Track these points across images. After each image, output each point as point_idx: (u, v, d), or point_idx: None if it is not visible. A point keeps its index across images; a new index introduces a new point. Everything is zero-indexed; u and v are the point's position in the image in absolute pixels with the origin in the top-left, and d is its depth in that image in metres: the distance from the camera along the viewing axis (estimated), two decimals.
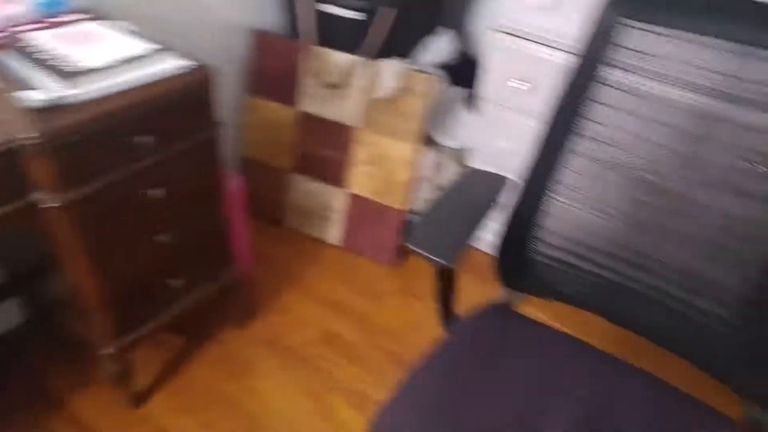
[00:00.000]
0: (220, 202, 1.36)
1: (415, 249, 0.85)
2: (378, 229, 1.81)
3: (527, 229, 1.01)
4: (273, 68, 1.79)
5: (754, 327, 0.86)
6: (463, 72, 1.74)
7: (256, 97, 1.85)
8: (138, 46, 1.14)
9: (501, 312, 1.07)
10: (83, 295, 1.19)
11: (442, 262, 0.84)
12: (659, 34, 0.87)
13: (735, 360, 0.89)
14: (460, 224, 0.90)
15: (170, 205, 1.23)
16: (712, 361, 0.93)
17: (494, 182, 0.99)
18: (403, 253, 1.87)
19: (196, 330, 1.62)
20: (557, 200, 0.98)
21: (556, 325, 1.07)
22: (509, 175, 1.02)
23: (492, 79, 1.58)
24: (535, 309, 1.29)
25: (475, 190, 0.99)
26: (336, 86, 1.72)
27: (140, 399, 1.45)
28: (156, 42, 1.16)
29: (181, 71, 1.14)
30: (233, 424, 1.41)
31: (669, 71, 0.87)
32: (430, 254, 0.84)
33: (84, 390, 1.46)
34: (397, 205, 1.76)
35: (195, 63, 1.17)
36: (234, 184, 1.49)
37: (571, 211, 0.99)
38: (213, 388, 1.49)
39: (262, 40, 1.79)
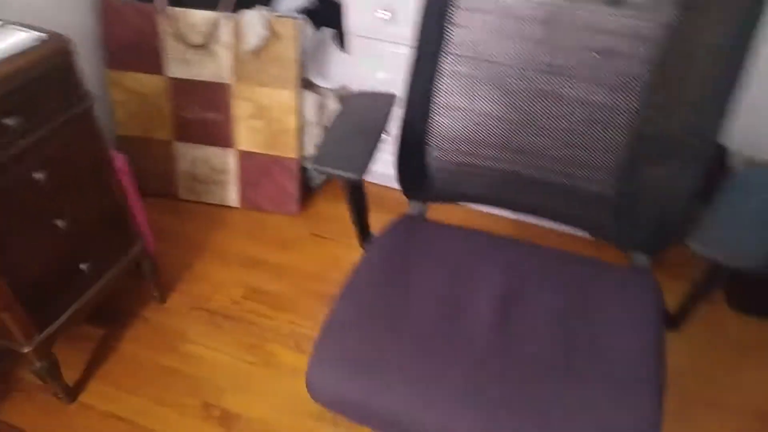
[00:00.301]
0: (111, 178, 1.33)
1: (322, 168, 0.90)
2: (275, 182, 1.84)
3: (419, 140, 1.09)
4: (130, 37, 1.72)
5: (629, 194, 1.00)
6: (326, 13, 1.77)
7: (119, 70, 1.77)
8: None
9: (412, 222, 1.15)
10: None
11: (351, 176, 0.90)
12: None
13: (619, 221, 1.04)
14: (361, 140, 0.96)
15: (59, 187, 1.19)
16: (602, 226, 1.07)
17: (384, 99, 1.05)
18: (304, 199, 1.91)
19: (117, 315, 1.59)
20: (439, 111, 1.06)
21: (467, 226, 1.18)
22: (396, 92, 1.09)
23: (357, 13, 1.62)
24: (445, 217, 1.40)
25: (367, 109, 1.04)
26: (201, 46, 1.68)
27: (75, 392, 1.42)
28: None
29: (34, 44, 1.09)
30: (180, 391, 1.43)
31: None
32: (338, 170, 0.90)
33: (14, 396, 1.42)
34: (288, 154, 1.78)
35: (47, 34, 1.11)
36: (116, 162, 1.45)
37: (454, 119, 1.07)
38: (150, 364, 1.49)
39: (111, 9, 1.70)
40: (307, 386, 0.91)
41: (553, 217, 1.14)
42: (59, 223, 1.21)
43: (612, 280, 1.03)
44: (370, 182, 1.83)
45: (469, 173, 1.12)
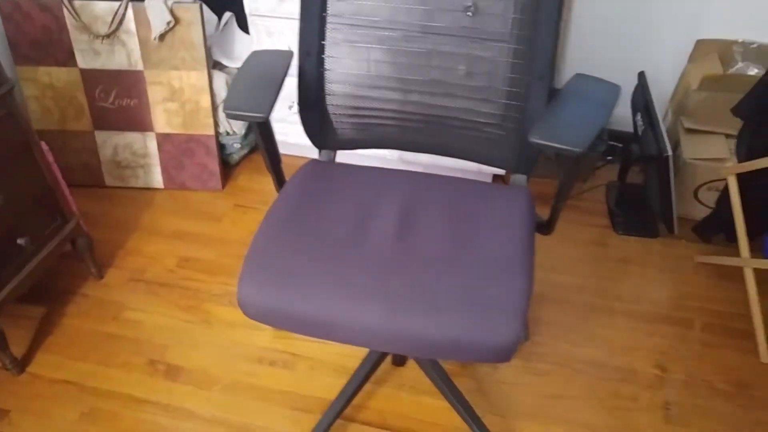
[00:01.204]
0: (39, 158, 1.43)
1: (232, 113, 1.06)
2: (196, 160, 1.96)
3: (316, 92, 1.26)
4: (36, 33, 1.79)
5: (513, 131, 1.21)
6: None
7: (29, 66, 1.84)
8: None
9: (321, 165, 1.32)
10: None
11: (257, 115, 1.05)
12: None
13: (506, 153, 1.25)
14: (264, 88, 1.10)
15: None
16: (494, 158, 1.28)
17: (282, 55, 1.20)
18: (225, 175, 2.05)
19: (58, 294, 1.69)
20: (330, 65, 1.24)
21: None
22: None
23: None
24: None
25: (267, 63, 1.19)
26: (108, 36, 1.79)
27: (23, 363, 1.51)
28: None
29: None
30: (125, 353, 1.55)
31: None
32: (246, 112, 1.06)
33: None
34: (205, 132, 1.92)
35: None
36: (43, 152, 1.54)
37: (344, 73, 1.25)
38: (94, 333, 1.59)
39: (12, 7, 1.76)
40: (238, 303, 1.06)
41: (447, 153, 1.34)
42: None
43: (493, 195, 1.23)
44: (289, 155, 1.98)
45: (371, 124, 1.31)
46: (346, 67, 1.25)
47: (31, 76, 1.85)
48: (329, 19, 1.20)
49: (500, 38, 1.16)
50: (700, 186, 1.78)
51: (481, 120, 1.24)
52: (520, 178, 1.30)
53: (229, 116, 1.07)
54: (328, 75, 1.25)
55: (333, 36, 1.22)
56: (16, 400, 1.44)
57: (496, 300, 1.00)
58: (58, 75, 1.85)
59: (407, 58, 1.22)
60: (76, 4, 1.75)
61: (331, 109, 1.29)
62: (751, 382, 1.48)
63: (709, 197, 1.78)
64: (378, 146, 1.37)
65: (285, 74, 1.16)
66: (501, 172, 1.94)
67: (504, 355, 0.97)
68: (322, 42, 1.22)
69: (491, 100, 1.21)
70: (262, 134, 1.16)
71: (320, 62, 1.24)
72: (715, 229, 1.73)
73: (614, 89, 1.06)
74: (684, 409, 1.43)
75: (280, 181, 1.28)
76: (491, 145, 1.26)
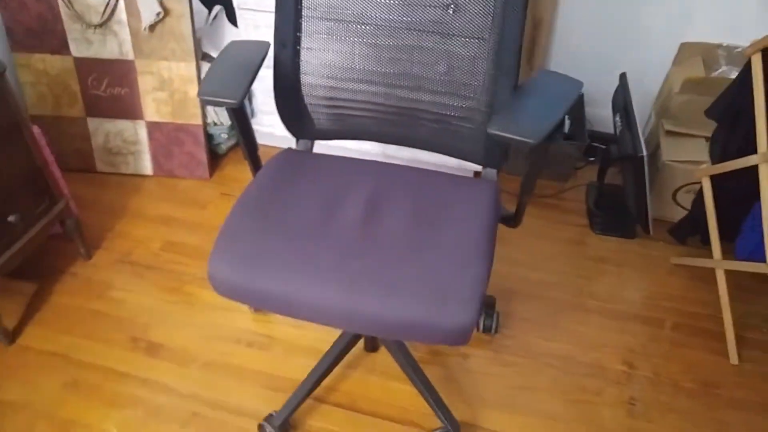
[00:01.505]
0: (29, 138, 1.49)
1: (206, 98, 1.10)
2: (184, 149, 2.02)
3: (292, 83, 1.30)
4: (32, 21, 1.85)
5: (480, 124, 1.23)
6: None
7: (25, 53, 1.89)
8: None
9: (295, 154, 1.36)
10: None
11: (230, 101, 1.10)
12: None
13: (475, 146, 1.29)
14: (238, 75, 1.15)
15: None
16: (464, 151, 1.31)
17: (258, 45, 1.24)
18: (213, 164, 2.10)
19: (48, 272, 1.75)
20: (306, 56, 1.28)
21: None
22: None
23: None
24: None
25: (243, 52, 1.24)
26: (101, 25, 1.84)
27: (13, 335, 1.58)
28: None
29: None
30: (109, 329, 1.60)
31: None
32: (219, 98, 1.10)
33: None
34: (193, 121, 1.96)
35: None
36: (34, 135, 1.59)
37: (323, 68, 1.28)
38: (81, 310, 1.65)
39: None
40: (209, 279, 1.10)
41: (420, 146, 1.38)
42: None
43: (460, 186, 1.27)
44: (278, 147, 2.03)
45: (349, 116, 1.35)
46: (321, 59, 1.28)
47: (26, 62, 1.90)
48: (305, 12, 1.24)
49: (473, 35, 1.19)
50: (679, 188, 1.81)
51: (450, 113, 1.27)
52: (490, 173, 1.33)
53: (203, 101, 1.12)
54: (303, 66, 1.29)
55: (308, 28, 1.26)
56: (4, 368, 1.50)
57: (452, 285, 1.03)
58: (53, 62, 1.90)
59: (380, 52, 1.26)
60: None
61: (306, 99, 1.33)
62: (718, 382, 1.51)
63: (688, 200, 1.80)
64: (353, 137, 1.41)
65: (260, 63, 1.20)
66: (480, 168, 1.97)
67: (460, 337, 1.01)
68: (298, 34, 1.26)
69: (460, 95, 1.24)
70: (237, 120, 1.20)
71: (296, 53, 1.28)
72: (689, 231, 1.75)
73: (575, 85, 1.09)
74: (648, 405, 1.46)
75: (255, 167, 1.32)
76: (460, 139, 1.30)
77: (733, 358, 1.55)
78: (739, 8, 1.78)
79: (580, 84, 1.10)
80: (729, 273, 1.60)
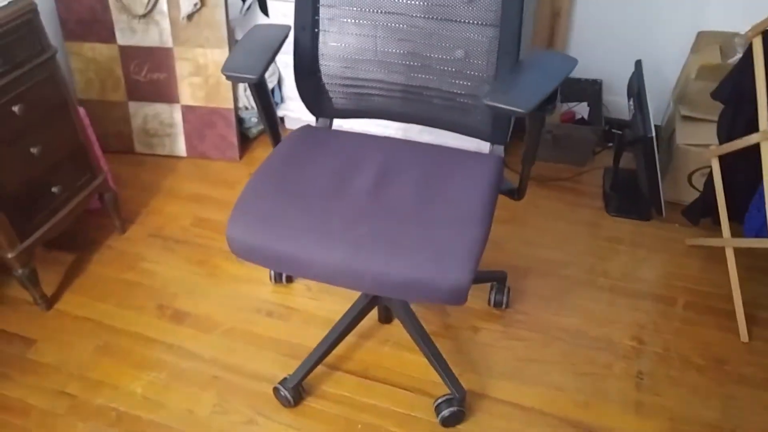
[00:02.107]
0: (74, 117, 1.62)
1: (228, 74, 1.20)
2: (216, 131, 2.14)
3: (311, 63, 1.39)
4: (84, 12, 2.00)
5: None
6: None
7: (76, 41, 2.05)
8: None
9: (312, 130, 1.45)
10: None
11: (250, 76, 1.19)
12: None
13: (484, 123, 1.35)
14: (259, 53, 1.24)
15: (32, 120, 1.49)
16: (472, 128, 1.37)
17: (280, 28, 1.33)
18: (243, 147, 2.22)
19: (85, 244, 1.88)
20: (324, 38, 1.36)
21: None
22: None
23: None
24: None
25: (265, 35, 1.32)
26: (144, 16, 1.98)
27: (51, 301, 1.71)
28: None
29: (5, 3, 1.38)
30: (139, 298, 1.72)
31: None
32: (241, 74, 1.20)
33: (1, 308, 1.70)
34: (225, 105, 2.08)
35: None
36: (79, 114, 1.73)
37: (340, 48, 1.37)
38: (114, 279, 1.78)
39: None
40: (227, 241, 1.19)
41: (431, 124, 1.45)
42: (33, 150, 1.50)
43: (467, 160, 1.34)
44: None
45: (365, 96, 1.43)
46: (338, 41, 1.37)
47: (77, 50, 2.06)
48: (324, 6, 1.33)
49: (483, 21, 1.26)
50: (694, 171, 1.82)
51: (459, 92, 1.34)
52: (497, 149, 1.39)
53: (226, 77, 1.22)
54: (321, 48, 1.38)
55: (325, 12, 1.34)
56: (42, 331, 1.63)
57: (450, 245, 1.10)
58: (101, 50, 2.05)
59: (394, 35, 1.33)
60: None
61: (324, 80, 1.41)
62: (728, 358, 1.53)
63: (702, 183, 1.82)
64: (368, 116, 1.48)
65: (280, 44, 1.29)
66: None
67: (458, 295, 1.07)
68: (316, 17, 1.35)
69: (467, 74, 1.31)
70: (257, 94, 1.29)
71: (314, 36, 1.36)
72: (702, 212, 1.76)
73: (569, 62, 1.14)
74: (656, 379, 1.48)
75: (276, 140, 1.41)
76: (468, 115, 1.36)
77: (743, 336, 1.56)
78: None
79: (574, 61, 1.15)
80: (742, 253, 1.61)
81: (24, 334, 1.63)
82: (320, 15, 1.35)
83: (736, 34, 1.82)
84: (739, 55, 1.80)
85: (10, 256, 1.51)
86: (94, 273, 1.80)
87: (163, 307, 1.69)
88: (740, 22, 1.79)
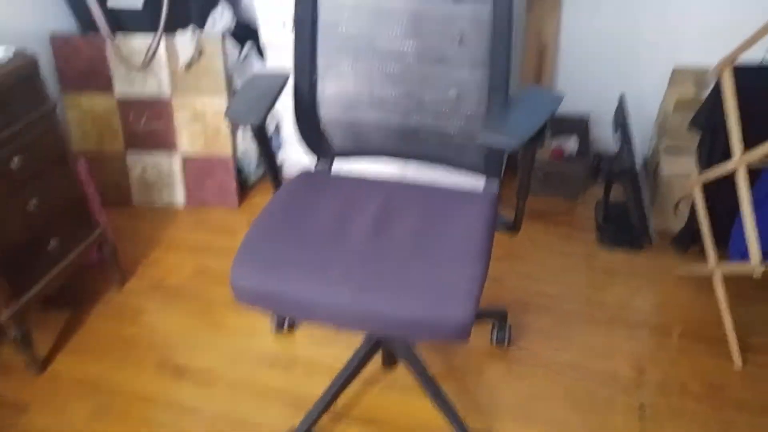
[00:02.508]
0: (72, 169, 1.64)
1: (232, 119, 1.23)
2: (216, 179, 2.16)
3: (310, 104, 1.43)
4: (82, 64, 2.04)
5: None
6: (245, 31, 2.16)
7: (74, 93, 2.08)
8: None
9: (312, 174, 1.48)
10: None
11: (252, 121, 1.22)
12: None
13: (478, 158, 1.39)
14: (260, 100, 1.27)
15: (30, 173, 1.50)
16: (467, 163, 1.41)
17: (279, 76, 1.37)
18: (242, 194, 2.24)
19: (83, 298, 1.86)
20: (322, 82, 1.41)
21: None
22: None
23: (268, 29, 1.98)
24: None
25: (265, 81, 1.36)
26: (143, 66, 2.02)
27: (46, 362, 1.67)
28: None
29: (7, 58, 1.42)
30: (138, 353, 1.69)
31: None
32: (243, 120, 1.23)
33: None
34: (225, 153, 2.11)
35: (17, 49, 1.45)
36: (78, 165, 1.75)
37: (338, 93, 1.41)
38: (112, 335, 1.75)
39: (63, 42, 2.03)
40: (231, 287, 1.20)
41: (431, 161, 1.48)
42: (31, 203, 1.50)
43: (463, 198, 1.36)
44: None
45: (354, 132, 1.46)
46: (335, 85, 1.41)
47: (75, 102, 2.09)
48: (320, 44, 1.38)
49: (474, 62, 1.32)
50: (679, 200, 1.87)
51: (451, 129, 1.38)
52: (492, 184, 1.42)
53: (229, 121, 1.25)
54: (319, 92, 1.42)
55: (323, 59, 1.39)
56: (36, 396, 1.58)
57: (452, 282, 1.12)
58: (98, 101, 2.09)
59: (390, 78, 1.38)
60: (118, 39, 2.00)
61: (324, 122, 1.45)
62: (724, 384, 1.54)
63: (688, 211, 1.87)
64: (368, 155, 1.51)
65: (281, 90, 1.33)
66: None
67: (461, 331, 1.08)
68: (314, 63, 1.39)
69: (460, 112, 1.36)
70: (258, 139, 1.33)
71: (313, 81, 1.41)
72: (690, 240, 1.81)
73: (556, 98, 1.19)
74: (658, 410, 1.49)
75: (276, 184, 1.44)
76: (463, 152, 1.40)
77: (738, 362, 1.58)
78: (725, 36, 1.88)
79: (560, 97, 1.19)
80: (730, 280, 1.65)
81: (16, 399, 1.58)
82: (318, 61, 1.40)
83: (707, 70, 1.90)
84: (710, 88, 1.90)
85: (3, 318, 1.48)
86: (91, 330, 1.77)
87: (163, 362, 1.66)
88: (710, 58, 1.89)
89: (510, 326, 1.68)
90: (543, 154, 2.16)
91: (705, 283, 1.78)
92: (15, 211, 1.48)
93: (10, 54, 1.43)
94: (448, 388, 1.49)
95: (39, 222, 1.55)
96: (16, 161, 1.44)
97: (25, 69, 1.44)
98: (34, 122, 1.48)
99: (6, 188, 1.44)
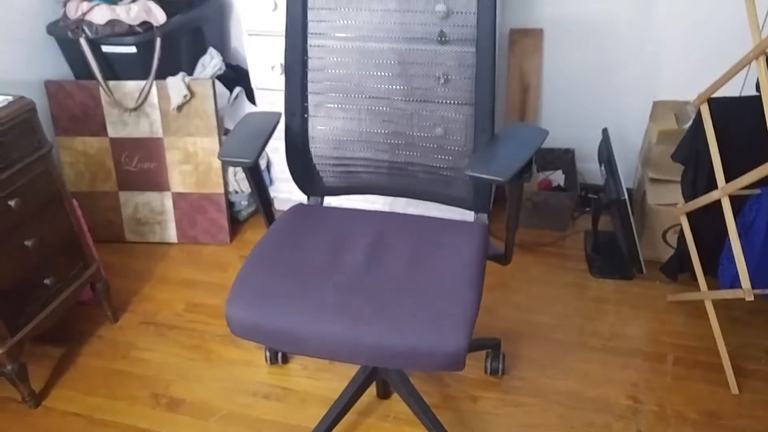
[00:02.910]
0: (68, 209, 1.66)
1: (225, 159, 1.26)
2: (207, 216, 2.18)
3: (301, 145, 1.47)
4: (75, 109, 2.08)
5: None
6: (236, 75, 2.22)
7: (67, 136, 2.12)
8: None
9: (305, 207, 1.50)
10: None
11: (245, 161, 1.25)
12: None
13: (466, 193, 1.42)
14: (253, 139, 1.31)
15: (27, 213, 1.52)
16: (456, 198, 1.45)
17: (271, 115, 1.41)
18: (234, 230, 2.26)
19: (76, 335, 1.87)
20: (313, 126, 1.45)
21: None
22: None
23: (257, 72, 2.04)
24: None
25: (258, 122, 1.40)
26: (135, 109, 2.06)
27: (39, 398, 1.67)
28: None
29: (5, 104, 1.45)
30: (132, 387, 1.69)
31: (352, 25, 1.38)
32: (237, 158, 1.26)
33: None
34: (216, 191, 2.15)
35: (15, 96, 1.49)
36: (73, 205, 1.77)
37: (328, 131, 1.46)
38: (106, 370, 1.75)
39: (57, 88, 2.07)
40: (226, 321, 1.21)
41: (417, 197, 1.52)
42: (28, 242, 1.52)
43: (454, 230, 1.39)
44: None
45: (345, 170, 1.50)
46: (325, 125, 1.46)
47: (68, 145, 2.12)
48: (310, 85, 1.42)
49: (458, 100, 1.37)
50: (668, 229, 1.91)
51: (442, 166, 1.42)
52: (481, 217, 1.46)
53: (223, 162, 1.28)
54: (310, 131, 1.46)
55: (314, 99, 1.44)
56: (31, 428, 1.58)
57: (445, 313, 1.13)
58: (92, 143, 2.12)
59: (379, 117, 1.43)
60: (111, 83, 2.04)
61: (315, 160, 1.49)
62: (721, 411, 1.55)
63: (676, 239, 1.90)
64: (358, 192, 1.55)
65: (272, 130, 1.36)
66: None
67: (455, 360, 1.10)
68: (305, 104, 1.44)
69: (448, 149, 1.40)
70: (252, 177, 1.36)
71: (304, 121, 1.45)
72: (678, 267, 1.84)
73: (541, 133, 1.24)
74: None
75: (269, 220, 1.46)
76: (451, 187, 1.44)
77: (734, 388, 1.59)
78: (702, 70, 1.95)
79: (545, 132, 1.24)
80: (721, 306, 1.67)
81: None
82: (308, 101, 1.44)
83: (686, 103, 1.97)
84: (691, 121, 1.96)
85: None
86: (85, 365, 1.77)
87: (157, 396, 1.66)
88: (688, 92, 1.96)
89: (504, 355, 1.69)
90: (531, 185, 2.20)
91: (696, 310, 1.81)
92: (12, 249, 1.50)
93: (10, 98, 1.47)
94: (443, 418, 1.49)
95: (35, 260, 1.57)
96: (14, 202, 1.46)
97: (22, 113, 1.48)
98: (31, 164, 1.51)
99: (5, 228, 1.47)
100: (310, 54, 1.40)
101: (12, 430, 1.59)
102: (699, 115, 1.60)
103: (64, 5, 1.98)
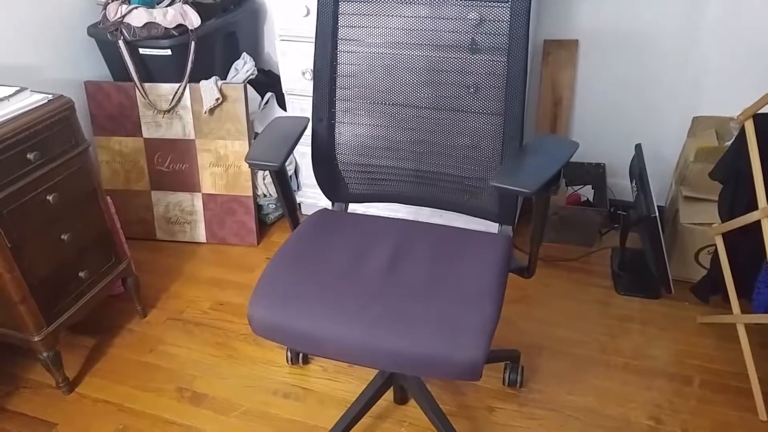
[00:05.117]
0: (103, 206, 1.72)
1: (252, 162, 1.29)
2: (236, 218, 2.23)
3: (328, 151, 1.49)
4: (112, 109, 2.15)
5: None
6: (267, 80, 2.26)
7: (105, 136, 2.19)
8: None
9: (329, 213, 1.53)
10: (8, 291, 1.47)
11: (272, 165, 1.28)
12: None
13: (492, 205, 1.43)
14: (280, 143, 1.34)
15: (65, 208, 1.58)
16: (481, 209, 1.45)
17: (299, 120, 1.44)
18: (261, 232, 2.30)
19: (107, 328, 1.93)
20: (340, 133, 1.47)
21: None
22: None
23: (288, 78, 2.08)
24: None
25: (285, 126, 1.43)
26: (169, 111, 2.12)
27: (72, 385, 1.73)
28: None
29: (46, 102, 1.51)
30: (158, 380, 1.74)
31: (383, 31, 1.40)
32: (263, 162, 1.29)
33: (22, 392, 1.73)
34: (245, 193, 2.19)
35: (54, 94, 1.54)
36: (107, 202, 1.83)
37: (355, 138, 1.48)
38: (135, 362, 1.81)
39: (96, 89, 2.14)
40: (248, 321, 1.23)
41: (446, 207, 1.52)
42: (64, 236, 1.58)
43: (477, 241, 1.40)
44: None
45: (370, 178, 1.52)
46: (352, 131, 1.48)
47: (105, 144, 2.19)
48: (338, 92, 1.45)
49: (488, 111, 1.37)
50: (700, 250, 1.86)
51: (469, 176, 1.43)
52: (506, 229, 1.46)
53: (250, 165, 1.31)
54: (337, 138, 1.49)
55: (341, 106, 1.46)
56: (63, 415, 1.65)
57: (464, 322, 1.14)
58: (127, 143, 2.19)
59: (405, 125, 1.44)
60: (146, 86, 2.10)
61: (341, 167, 1.51)
62: None
63: (709, 261, 1.86)
64: (383, 200, 1.56)
65: (300, 135, 1.39)
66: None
67: (473, 370, 1.10)
68: (332, 110, 1.46)
69: (475, 158, 1.40)
70: (278, 181, 1.38)
71: (331, 127, 1.48)
72: (711, 289, 1.79)
73: (570, 145, 1.23)
74: None
75: (294, 224, 1.49)
76: (478, 198, 1.44)
77: (762, 415, 1.54)
78: (745, 85, 1.91)
79: (575, 144, 1.23)
80: (754, 330, 1.62)
81: (45, 417, 1.65)
82: (336, 108, 1.46)
83: (730, 119, 1.92)
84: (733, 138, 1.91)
85: (36, 339, 1.55)
86: (115, 356, 1.83)
87: (182, 390, 1.70)
88: (731, 107, 1.91)
89: (523, 368, 1.68)
90: (559, 199, 2.18)
91: (725, 332, 1.77)
92: (50, 242, 1.56)
93: (50, 96, 1.53)
94: (458, 426, 1.49)
95: (71, 254, 1.63)
96: (52, 197, 1.52)
97: (62, 111, 1.54)
98: (69, 161, 1.57)
99: (43, 221, 1.53)
100: (339, 60, 1.43)
101: (47, 413, 1.66)
102: (742, 131, 1.54)
103: (104, 7, 2.05)
